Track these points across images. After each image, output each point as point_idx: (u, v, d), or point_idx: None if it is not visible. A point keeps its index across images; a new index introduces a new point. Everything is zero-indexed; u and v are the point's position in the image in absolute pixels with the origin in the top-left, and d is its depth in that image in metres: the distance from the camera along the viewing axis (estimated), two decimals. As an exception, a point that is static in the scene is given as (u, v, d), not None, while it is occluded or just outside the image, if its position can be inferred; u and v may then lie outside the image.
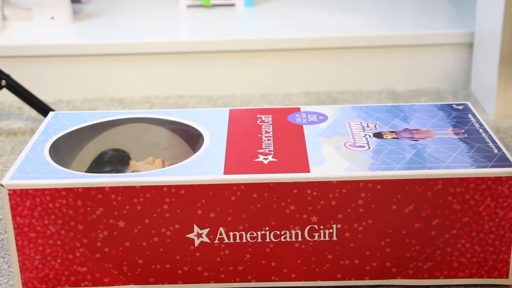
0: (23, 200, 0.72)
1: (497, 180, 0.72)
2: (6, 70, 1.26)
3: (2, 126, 1.29)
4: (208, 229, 0.74)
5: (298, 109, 0.85)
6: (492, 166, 0.73)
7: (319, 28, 1.52)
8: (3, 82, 1.23)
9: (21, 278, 0.76)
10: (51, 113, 0.87)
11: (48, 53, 1.46)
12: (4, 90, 1.25)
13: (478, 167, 0.72)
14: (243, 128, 0.81)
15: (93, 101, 1.40)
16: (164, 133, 0.88)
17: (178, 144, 0.88)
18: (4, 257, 0.85)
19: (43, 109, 1.21)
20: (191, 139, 0.86)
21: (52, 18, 1.54)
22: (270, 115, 0.84)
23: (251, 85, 1.46)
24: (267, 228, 0.74)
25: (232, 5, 1.74)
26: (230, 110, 0.86)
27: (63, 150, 0.84)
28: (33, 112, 1.34)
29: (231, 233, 0.74)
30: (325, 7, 1.71)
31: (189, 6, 1.71)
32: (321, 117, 0.83)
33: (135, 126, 0.88)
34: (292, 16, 1.66)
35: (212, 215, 0.73)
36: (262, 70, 1.49)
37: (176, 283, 0.76)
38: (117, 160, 0.86)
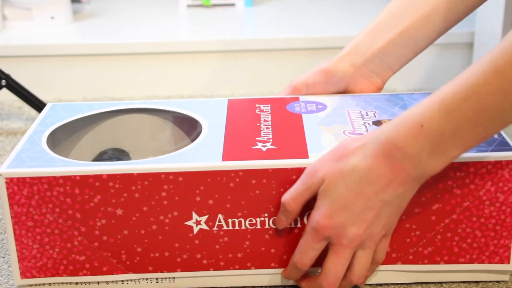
0: (20, 189, 0.72)
1: (497, 164, 0.72)
2: (6, 70, 1.26)
3: (2, 126, 1.29)
4: (206, 216, 0.73)
5: (297, 99, 0.85)
6: (492, 150, 0.72)
7: (319, 28, 1.52)
8: (3, 82, 1.23)
9: (19, 268, 0.75)
10: (49, 104, 0.87)
11: (48, 53, 1.46)
12: (4, 90, 1.25)
13: (478, 151, 0.72)
14: (241, 117, 0.81)
15: (93, 101, 1.39)
16: (163, 125, 0.88)
17: (177, 135, 0.88)
18: (4, 257, 0.85)
19: (43, 109, 1.20)
20: (191, 130, 0.86)
21: (52, 18, 1.54)
22: (269, 104, 0.84)
23: (251, 85, 1.46)
24: (266, 215, 0.73)
25: (232, 5, 1.74)
26: (229, 100, 0.85)
27: (61, 140, 0.84)
28: (33, 112, 1.34)
29: (230, 220, 0.73)
30: (325, 7, 1.71)
31: (189, 6, 1.71)
32: (320, 106, 0.83)
33: (133, 117, 0.88)
34: (292, 16, 1.65)
35: (210, 202, 0.73)
36: (262, 70, 1.48)
37: (175, 271, 0.76)
38: (116, 160, 0.85)
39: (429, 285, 0.78)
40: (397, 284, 0.78)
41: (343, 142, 0.69)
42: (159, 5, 1.74)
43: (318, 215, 0.68)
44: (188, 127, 0.86)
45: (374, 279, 0.77)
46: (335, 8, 1.70)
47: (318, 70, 0.86)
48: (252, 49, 1.51)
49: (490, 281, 0.78)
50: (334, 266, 0.69)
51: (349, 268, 0.71)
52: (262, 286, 0.78)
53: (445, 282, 0.78)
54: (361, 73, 0.85)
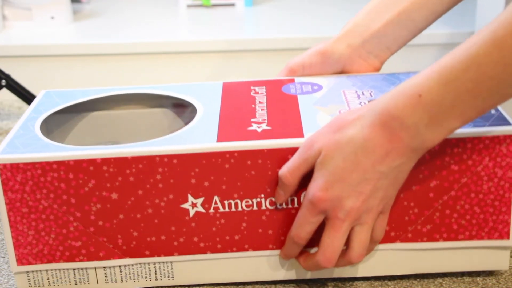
0: (14, 175, 0.72)
1: (495, 139, 0.71)
2: (6, 70, 1.26)
3: (2, 126, 1.29)
4: (202, 199, 0.73)
5: (292, 80, 0.85)
6: (490, 126, 0.71)
7: (319, 28, 1.52)
8: (3, 82, 1.23)
9: (15, 255, 0.75)
10: (42, 91, 0.87)
11: (48, 53, 1.46)
12: (4, 90, 1.25)
13: (475, 126, 0.71)
14: (236, 99, 0.81)
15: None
16: (158, 113, 0.88)
17: (173, 121, 0.87)
18: (4, 257, 0.84)
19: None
20: (186, 114, 0.85)
21: (52, 18, 1.54)
22: (264, 86, 0.83)
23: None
24: (262, 196, 0.73)
25: (232, 5, 1.74)
26: (224, 83, 0.85)
27: (55, 127, 0.84)
28: (33, 112, 1.33)
29: (226, 202, 0.73)
30: (325, 7, 1.71)
31: (189, 6, 1.71)
32: (315, 87, 0.82)
33: (129, 108, 0.87)
34: (292, 16, 1.65)
35: (206, 184, 0.72)
36: (262, 70, 1.48)
37: (172, 255, 0.75)
38: None
39: (429, 285, 0.78)
40: (396, 280, 0.78)
41: (340, 114, 0.69)
42: (159, 5, 1.74)
43: (314, 187, 0.68)
44: (184, 112, 0.85)
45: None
46: (335, 8, 1.70)
47: (314, 51, 0.85)
48: (252, 49, 1.51)
49: (488, 278, 0.78)
50: (331, 241, 0.69)
51: (347, 245, 0.70)
52: (262, 282, 0.78)
53: (446, 278, 0.78)
54: (358, 54, 0.85)
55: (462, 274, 0.79)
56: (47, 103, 0.83)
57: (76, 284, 0.77)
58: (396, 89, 0.65)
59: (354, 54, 0.85)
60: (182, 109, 0.85)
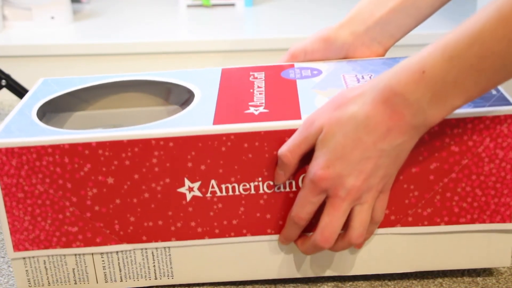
0: (9, 159, 0.71)
1: (496, 119, 0.70)
2: (6, 70, 1.26)
3: (1, 125, 1.28)
4: (199, 182, 0.72)
5: (292, 66, 0.84)
6: (491, 106, 0.70)
7: (319, 28, 1.52)
8: (3, 82, 1.23)
9: (12, 241, 0.74)
10: (41, 79, 0.86)
11: (48, 53, 1.46)
12: (4, 90, 1.24)
13: (476, 107, 0.70)
14: (234, 84, 0.80)
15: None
16: (156, 99, 0.87)
17: (171, 107, 0.87)
18: (4, 257, 0.83)
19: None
20: (184, 100, 0.84)
21: (52, 18, 1.54)
22: (263, 72, 0.83)
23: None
24: (260, 179, 0.72)
25: (232, 5, 1.73)
26: (222, 69, 0.84)
27: (53, 114, 0.83)
28: (33, 111, 1.33)
29: (223, 186, 0.72)
30: (325, 7, 1.71)
31: (189, 6, 1.71)
32: (315, 72, 0.81)
33: (127, 95, 0.87)
34: (292, 16, 1.65)
35: (203, 167, 0.71)
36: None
37: (169, 240, 0.74)
38: None
39: (429, 285, 0.77)
40: (397, 280, 0.78)
41: (341, 92, 0.68)
42: (159, 5, 1.74)
43: (315, 166, 0.67)
44: (182, 97, 0.85)
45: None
46: (335, 8, 1.70)
47: (317, 37, 0.85)
48: (252, 49, 1.51)
49: (488, 278, 0.77)
50: (330, 220, 0.68)
51: (347, 226, 0.69)
52: (262, 282, 0.77)
53: (446, 278, 0.77)
54: (362, 41, 0.84)
55: (462, 274, 0.78)
56: (44, 90, 0.83)
57: (76, 284, 0.76)
58: (399, 65, 0.64)
59: (357, 42, 0.84)
60: (180, 94, 0.85)
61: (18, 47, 1.45)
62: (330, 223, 0.68)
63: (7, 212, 0.73)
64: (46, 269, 0.76)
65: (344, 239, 0.70)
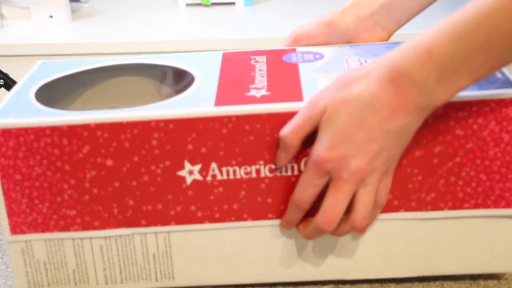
0: (7, 140, 0.70)
1: (501, 102, 0.69)
2: (4, 69, 1.25)
3: (1, 121, 1.27)
4: (200, 165, 0.71)
5: (293, 50, 0.83)
6: (496, 89, 0.69)
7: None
8: (1, 81, 1.23)
9: (9, 224, 0.73)
10: (38, 61, 0.85)
11: (46, 52, 1.45)
12: (2, 90, 1.24)
13: (481, 89, 0.69)
14: (236, 67, 0.79)
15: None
16: (156, 82, 0.86)
17: (172, 93, 0.85)
18: (2, 258, 0.82)
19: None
20: (184, 84, 0.83)
21: (51, 17, 1.53)
22: (265, 56, 0.82)
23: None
24: (261, 162, 0.71)
25: (232, 3, 1.72)
26: (223, 53, 0.83)
27: (51, 96, 0.82)
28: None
29: (224, 169, 0.71)
30: (325, 6, 1.70)
31: (188, 5, 1.70)
32: (317, 56, 0.80)
33: (126, 79, 0.85)
34: (292, 15, 1.64)
35: (203, 150, 0.70)
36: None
37: (169, 224, 0.73)
38: None
39: (430, 285, 0.76)
40: (397, 280, 0.77)
41: (346, 72, 0.67)
42: (158, 4, 1.73)
43: (319, 147, 0.66)
44: (182, 81, 0.84)
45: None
46: (335, 6, 1.68)
47: (320, 22, 0.84)
48: (252, 48, 1.50)
49: (490, 279, 0.76)
50: (333, 202, 0.66)
51: (351, 209, 0.68)
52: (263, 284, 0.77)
53: (447, 279, 0.76)
54: (366, 26, 0.83)
55: (464, 275, 0.77)
56: (42, 72, 0.82)
57: (76, 285, 0.76)
58: (405, 44, 0.63)
59: (361, 27, 0.83)
60: (181, 78, 0.84)
61: (16, 46, 1.44)
62: (333, 205, 0.67)
63: (4, 194, 0.72)
64: (46, 270, 0.75)
65: (347, 222, 0.68)
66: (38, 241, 0.74)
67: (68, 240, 0.74)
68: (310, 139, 0.68)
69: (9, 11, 1.54)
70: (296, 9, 1.69)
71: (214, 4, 1.73)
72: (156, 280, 0.76)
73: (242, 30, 1.58)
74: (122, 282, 0.76)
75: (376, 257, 0.75)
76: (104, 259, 0.75)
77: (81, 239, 0.74)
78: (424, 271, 0.75)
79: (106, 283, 0.76)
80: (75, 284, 0.76)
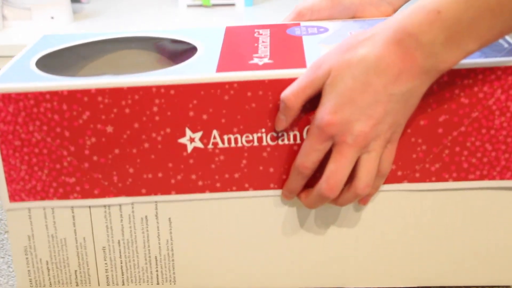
0: (6, 105, 0.69)
1: (508, 69, 0.68)
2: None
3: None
4: (201, 133, 0.70)
5: (298, 24, 0.82)
6: (502, 57, 0.68)
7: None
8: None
9: (8, 191, 0.72)
10: (41, 34, 0.85)
11: (47, 53, 1.44)
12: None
13: (487, 57, 0.68)
14: (239, 39, 0.78)
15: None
16: (159, 55, 0.85)
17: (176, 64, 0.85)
18: (4, 257, 0.82)
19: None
20: (188, 56, 0.83)
21: (52, 17, 1.53)
22: (269, 29, 0.81)
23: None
24: (263, 130, 0.69)
25: (232, 4, 1.72)
26: (227, 27, 0.83)
27: (51, 68, 0.81)
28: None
29: (225, 137, 0.70)
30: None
31: (189, 5, 1.70)
32: (321, 29, 0.80)
33: (129, 52, 0.85)
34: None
35: (204, 117, 0.69)
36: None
37: (169, 193, 0.72)
38: None
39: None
40: None
41: (351, 35, 0.66)
42: (159, 5, 1.73)
43: (322, 111, 0.64)
44: (186, 53, 0.83)
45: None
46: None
47: None
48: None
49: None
50: (336, 167, 0.65)
51: (353, 175, 0.66)
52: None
53: None
54: (370, 1, 0.82)
55: None
56: (44, 44, 0.81)
57: (77, 286, 0.75)
58: (413, 6, 0.62)
59: (366, 1, 0.82)
60: (184, 50, 0.83)
61: (17, 47, 1.44)
62: (336, 170, 0.65)
63: (3, 160, 0.71)
64: (49, 269, 0.74)
65: (350, 190, 0.67)
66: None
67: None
68: (312, 106, 0.67)
69: (11, 12, 1.54)
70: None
71: (214, 5, 1.73)
72: (158, 283, 0.75)
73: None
74: (123, 284, 0.75)
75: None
76: (106, 260, 0.74)
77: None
78: (428, 280, 0.75)
79: (108, 285, 0.75)
80: (77, 284, 0.75)
